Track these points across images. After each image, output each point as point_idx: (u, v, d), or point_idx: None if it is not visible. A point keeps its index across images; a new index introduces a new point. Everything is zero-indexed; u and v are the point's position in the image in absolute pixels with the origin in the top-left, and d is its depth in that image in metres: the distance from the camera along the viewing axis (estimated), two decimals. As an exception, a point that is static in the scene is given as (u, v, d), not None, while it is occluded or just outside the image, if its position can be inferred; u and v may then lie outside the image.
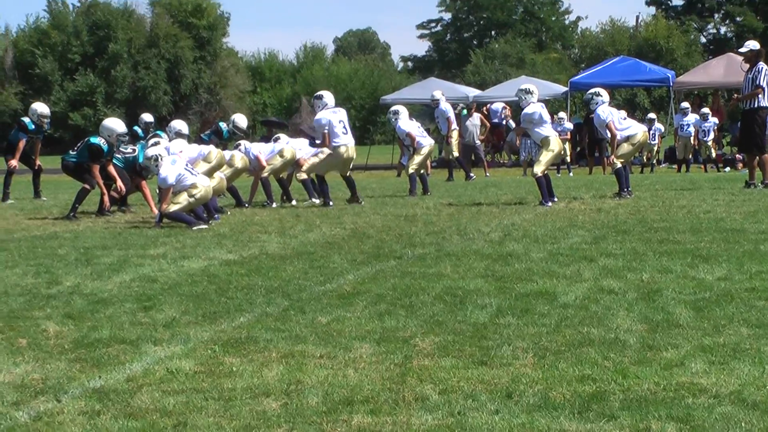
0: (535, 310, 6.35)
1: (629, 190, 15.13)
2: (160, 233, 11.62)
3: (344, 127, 15.18)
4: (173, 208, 12.29)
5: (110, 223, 13.28)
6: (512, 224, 11.58)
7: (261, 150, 15.94)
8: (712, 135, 26.47)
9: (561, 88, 34.13)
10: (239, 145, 15.90)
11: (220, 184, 13.61)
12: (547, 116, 14.56)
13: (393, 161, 30.25)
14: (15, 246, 10.59)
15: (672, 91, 30.47)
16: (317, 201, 15.49)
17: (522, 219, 12.23)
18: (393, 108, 18.84)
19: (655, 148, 27.36)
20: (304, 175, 15.59)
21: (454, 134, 22.61)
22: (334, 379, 4.86)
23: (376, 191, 18.86)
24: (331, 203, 14.98)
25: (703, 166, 26.24)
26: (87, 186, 14.02)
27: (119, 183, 14.39)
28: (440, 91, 24.01)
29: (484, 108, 31.11)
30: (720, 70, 29.63)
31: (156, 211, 13.15)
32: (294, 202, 15.78)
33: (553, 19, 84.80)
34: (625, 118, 15.76)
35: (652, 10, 73.98)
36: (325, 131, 14.97)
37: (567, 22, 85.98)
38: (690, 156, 26.44)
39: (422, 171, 18.11)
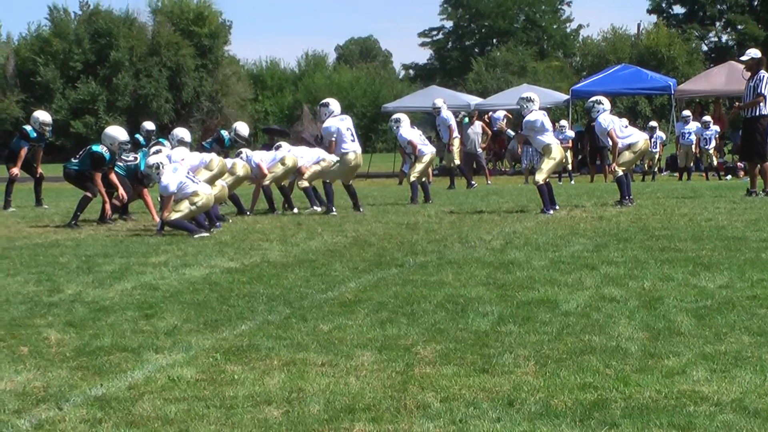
0: (537, 317, 6.35)
1: (631, 198, 15.14)
2: (162, 241, 11.62)
3: (352, 134, 15.27)
4: (175, 215, 12.29)
5: (112, 231, 13.28)
6: (514, 232, 11.58)
7: (262, 158, 15.95)
8: (713, 143, 26.48)
9: (562, 96, 34.12)
10: (241, 153, 15.91)
11: (221, 192, 13.62)
12: (548, 124, 14.59)
13: (394, 169, 30.25)
14: (16, 254, 10.59)
15: (673, 99, 30.46)
16: (319, 209, 15.51)
17: (523, 227, 12.24)
18: (394, 116, 18.86)
19: (657, 156, 27.35)
20: (305, 183, 15.64)
21: (456, 142, 22.60)
22: (335, 386, 4.86)
23: (378, 199, 18.87)
24: (334, 211, 15.00)
25: (704, 174, 26.22)
26: (89, 194, 14.03)
27: (121, 191, 14.40)
28: (442, 99, 24.01)
29: (486, 116, 31.13)
30: (721, 78, 29.62)
31: (157, 219, 13.16)
32: (295, 210, 15.79)
33: (555, 27, 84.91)
34: (626, 126, 15.78)
35: (654, 18, 74.12)
36: (333, 139, 15.06)
37: (568, 30, 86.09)
38: (691, 164, 26.42)
39: (424, 179, 18.12)
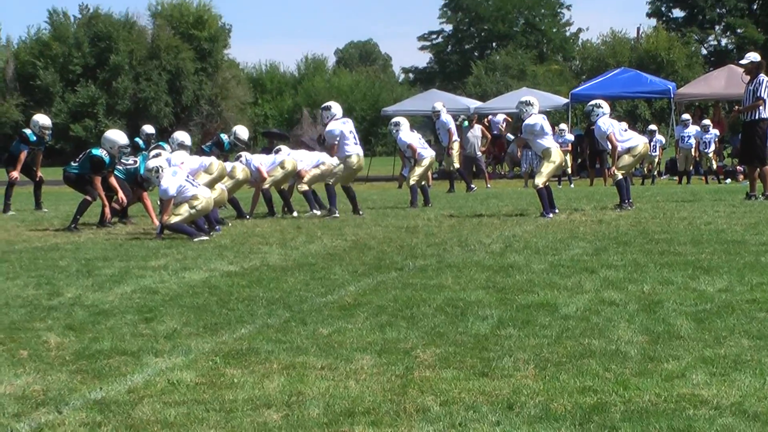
0: (536, 321, 6.35)
1: (630, 202, 15.14)
2: (161, 245, 11.62)
3: (354, 137, 15.36)
4: (174, 219, 12.29)
5: (111, 234, 13.29)
6: (513, 236, 11.58)
7: (262, 161, 15.96)
8: (713, 147, 26.49)
9: (562, 100, 34.15)
10: (240, 156, 15.92)
11: (221, 195, 13.62)
12: (548, 127, 14.59)
13: (394, 173, 30.28)
14: (16, 257, 10.59)
15: (673, 103, 30.49)
16: (318, 212, 15.53)
17: (523, 230, 12.24)
18: (394, 119, 18.85)
19: (656, 160, 27.37)
20: (305, 187, 15.65)
21: (455, 145, 22.63)
22: (335, 390, 4.86)
23: (378, 203, 18.87)
24: (336, 212, 15.03)
25: (704, 178, 26.24)
26: (88, 197, 14.04)
27: (121, 194, 14.41)
28: (441, 102, 24.04)
29: (485, 119, 31.16)
30: (721, 82, 29.64)
31: (157, 223, 13.17)
32: (295, 214, 15.80)
33: (554, 30, 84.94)
34: (626, 130, 15.76)
35: (653, 21, 74.20)
36: (336, 142, 15.12)
37: (568, 33, 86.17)
38: (691, 168, 26.44)
39: (423, 182, 18.12)
